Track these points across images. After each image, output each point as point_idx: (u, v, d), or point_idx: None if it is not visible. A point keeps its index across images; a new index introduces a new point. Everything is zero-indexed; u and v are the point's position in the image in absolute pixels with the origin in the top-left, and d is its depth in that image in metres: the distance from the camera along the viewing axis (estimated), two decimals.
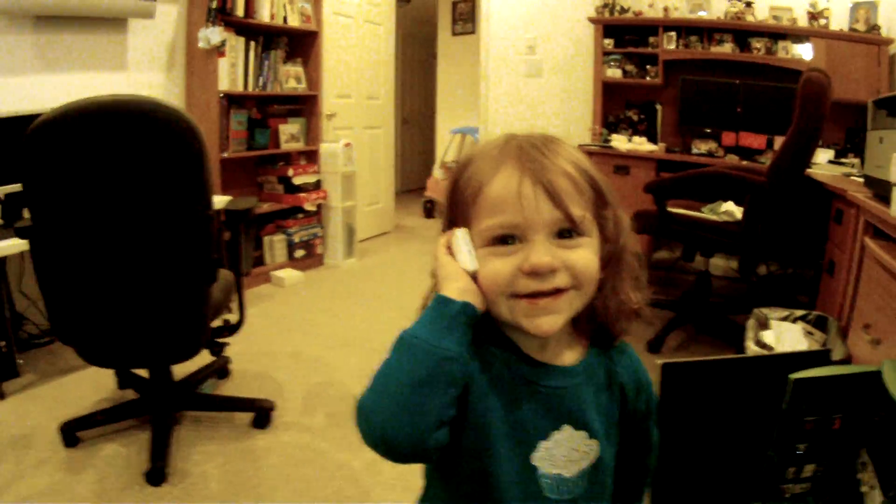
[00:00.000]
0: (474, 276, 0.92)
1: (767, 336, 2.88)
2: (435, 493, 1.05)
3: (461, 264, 0.93)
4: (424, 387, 0.85)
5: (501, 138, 0.97)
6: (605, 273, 0.97)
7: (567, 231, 0.90)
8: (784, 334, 2.86)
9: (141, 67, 4.41)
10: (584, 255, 0.91)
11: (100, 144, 2.16)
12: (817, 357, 1.62)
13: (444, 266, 0.94)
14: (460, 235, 0.94)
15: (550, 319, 0.90)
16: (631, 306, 1.01)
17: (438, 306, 0.90)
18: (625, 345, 1.08)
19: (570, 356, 1.01)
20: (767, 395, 1.54)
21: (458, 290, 0.91)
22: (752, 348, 2.80)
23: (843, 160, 4.57)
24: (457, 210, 0.97)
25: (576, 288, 0.91)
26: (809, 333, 2.92)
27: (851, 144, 4.83)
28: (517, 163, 0.90)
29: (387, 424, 0.84)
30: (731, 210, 4.00)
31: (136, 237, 2.28)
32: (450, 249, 0.95)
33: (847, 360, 2.58)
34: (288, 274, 5.16)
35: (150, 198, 2.24)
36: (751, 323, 3.04)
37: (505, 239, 0.90)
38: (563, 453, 0.97)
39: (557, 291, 0.90)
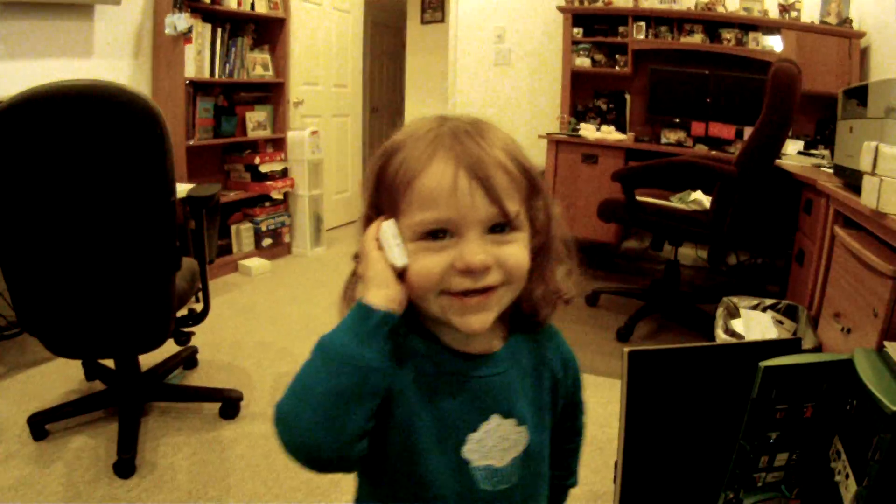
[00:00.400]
0: (402, 271, 0.89)
1: (737, 325, 2.89)
2: (366, 495, 1.02)
3: (390, 259, 0.88)
4: (346, 398, 0.83)
5: (433, 121, 0.93)
6: (534, 263, 0.94)
7: (500, 226, 0.88)
8: (753, 323, 2.87)
9: (107, 54, 4.33)
10: (516, 252, 0.89)
11: (59, 130, 2.11)
12: (788, 345, 1.61)
13: (372, 264, 0.90)
14: (387, 229, 0.89)
15: (481, 317, 0.89)
16: (561, 296, 1.00)
17: (361, 314, 0.86)
18: (551, 328, 1.07)
19: (493, 343, 0.99)
20: (737, 384, 1.53)
21: (384, 297, 0.87)
22: (721, 336, 2.80)
23: (814, 151, 4.61)
24: (383, 197, 0.93)
25: (506, 284, 0.90)
26: (779, 322, 2.92)
27: (821, 136, 4.87)
28: (451, 153, 0.86)
29: (308, 435, 0.82)
30: (700, 199, 4.00)
31: (98, 225, 2.23)
32: (379, 242, 0.91)
33: (818, 349, 2.59)
34: (255, 263, 5.12)
35: (112, 184, 2.19)
36: (720, 311, 3.05)
37: (436, 233, 0.87)
38: (494, 443, 0.95)
39: (489, 289, 0.88)
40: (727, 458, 1.58)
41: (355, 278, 0.98)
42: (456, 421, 0.93)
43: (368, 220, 0.95)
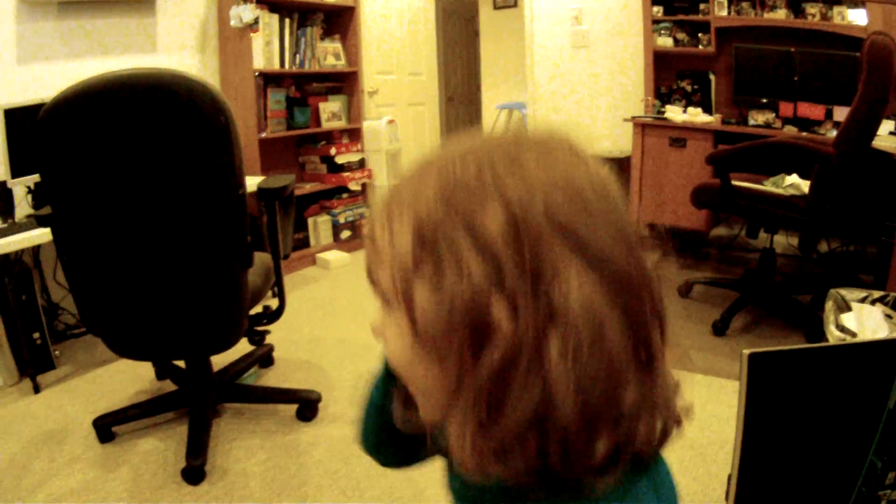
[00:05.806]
0: None
1: (847, 320, 2.69)
2: None
3: None
4: (366, 408, 0.86)
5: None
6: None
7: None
8: (865, 318, 2.67)
9: (171, 50, 4.30)
10: (388, 335, 0.63)
11: (116, 122, 2.01)
12: None
13: None
14: None
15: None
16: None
17: None
18: None
19: None
20: (861, 387, 1.37)
21: None
22: (834, 334, 2.61)
23: None
24: None
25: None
26: (888, 317, 2.72)
27: None
28: None
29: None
30: (797, 183, 3.78)
31: (164, 220, 2.14)
32: None
33: None
34: (333, 256, 5.03)
35: (176, 178, 2.09)
36: (829, 305, 2.85)
37: None
38: None
39: None
40: (850, 472, 1.42)
41: None
42: None
43: None
